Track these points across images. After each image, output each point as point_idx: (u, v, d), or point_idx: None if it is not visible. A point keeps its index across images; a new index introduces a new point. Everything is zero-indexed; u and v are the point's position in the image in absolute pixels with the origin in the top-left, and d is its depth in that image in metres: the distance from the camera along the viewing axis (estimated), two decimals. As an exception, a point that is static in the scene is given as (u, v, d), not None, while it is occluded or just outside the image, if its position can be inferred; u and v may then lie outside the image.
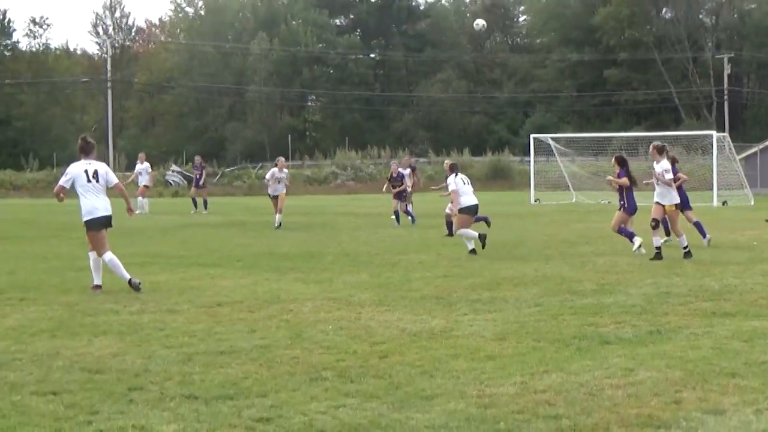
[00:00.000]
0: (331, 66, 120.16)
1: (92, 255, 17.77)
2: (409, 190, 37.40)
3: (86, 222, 17.79)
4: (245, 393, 9.80)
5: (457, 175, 25.28)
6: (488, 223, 27.27)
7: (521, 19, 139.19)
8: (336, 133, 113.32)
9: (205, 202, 46.78)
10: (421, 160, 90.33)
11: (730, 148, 59.01)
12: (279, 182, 35.33)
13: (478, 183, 79.56)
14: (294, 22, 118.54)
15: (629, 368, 10.77)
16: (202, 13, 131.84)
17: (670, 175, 22.98)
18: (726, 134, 63.93)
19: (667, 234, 25.62)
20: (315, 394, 9.77)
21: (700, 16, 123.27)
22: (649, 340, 12.55)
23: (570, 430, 8.47)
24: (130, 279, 17.56)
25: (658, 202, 23.22)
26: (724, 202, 53.09)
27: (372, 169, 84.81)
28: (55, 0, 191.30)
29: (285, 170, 36.02)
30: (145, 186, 46.55)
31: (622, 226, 24.29)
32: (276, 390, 9.91)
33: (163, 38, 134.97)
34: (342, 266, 21.67)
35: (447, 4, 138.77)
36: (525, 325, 13.67)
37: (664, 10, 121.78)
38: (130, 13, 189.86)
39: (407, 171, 38.52)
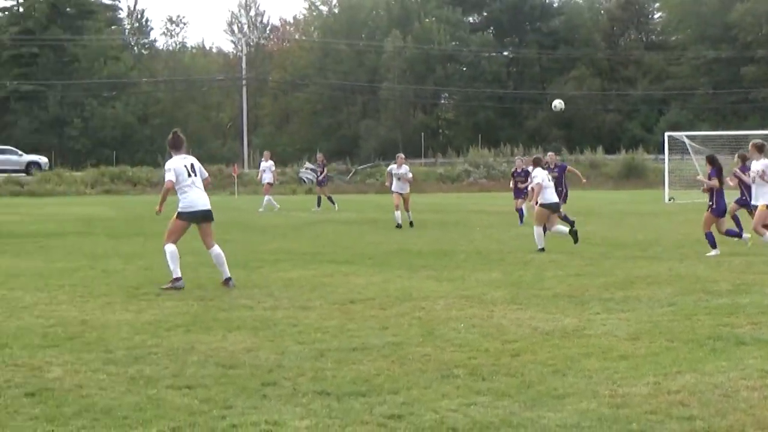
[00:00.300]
0: (464, 64, 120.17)
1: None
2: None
3: (183, 213, 17.95)
4: (377, 390, 9.83)
5: (543, 169, 25.97)
6: (573, 232, 26.61)
7: (656, 16, 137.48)
8: (469, 131, 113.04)
9: (331, 199, 46.95)
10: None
11: None
12: (400, 179, 34.07)
13: (611, 181, 79.38)
14: (427, 20, 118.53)
15: (766, 370, 10.61)
16: (336, 11, 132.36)
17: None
18: None
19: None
20: (446, 391, 9.77)
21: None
22: (786, 341, 12.38)
23: (704, 431, 8.38)
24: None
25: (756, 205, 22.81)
26: None
27: (505, 167, 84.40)
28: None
29: (405, 166, 34.72)
30: (269, 184, 47.09)
31: (709, 230, 24.18)
32: (408, 387, 9.94)
33: (297, 36, 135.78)
34: (474, 264, 21.63)
35: (581, 1, 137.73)
36: (658, 324, 13.54)
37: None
38: (264, 11, 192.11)
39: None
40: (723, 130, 79.66)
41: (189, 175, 17.87)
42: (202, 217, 18.08)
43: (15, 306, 15.43)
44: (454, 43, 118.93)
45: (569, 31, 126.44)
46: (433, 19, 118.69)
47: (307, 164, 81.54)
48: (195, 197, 17.92)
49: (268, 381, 10.21)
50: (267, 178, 47.20)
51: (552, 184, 26.01)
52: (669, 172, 62.81)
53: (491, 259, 22.63)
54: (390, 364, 11.01)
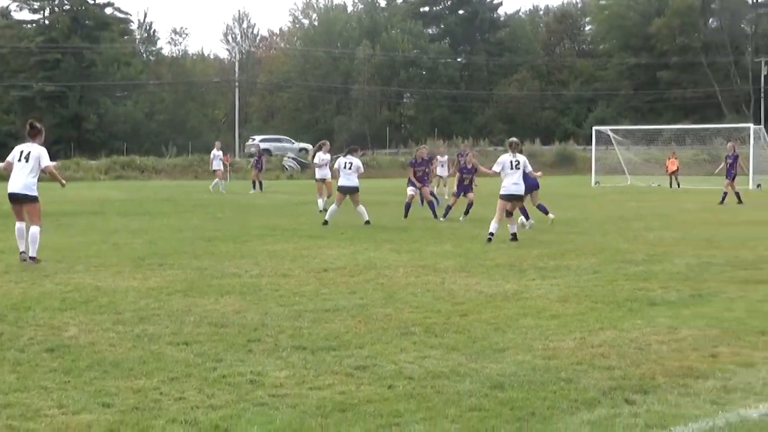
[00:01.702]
0: (424, 68, 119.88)
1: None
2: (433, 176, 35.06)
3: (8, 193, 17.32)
4: (346, 345, 9.85)
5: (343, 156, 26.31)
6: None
7: (587, 28, 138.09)
8: (427, 125, 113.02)
9: (261, 184, 47.41)
10: (500, 148, 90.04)
11: (764, 139, 58.25)
12: (326, 165, 31.34)
13: (547, 168, 79.18)
14: (393, 31, 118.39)
15: (673, 326, 10.71)
16: (316, 23, 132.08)
17: (495, 168, 20.98)
18: (761, 127, 62.92)
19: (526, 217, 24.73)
20: (405, 346, 9.80)
21: (742, 25, 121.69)
22: (690, 302, 12.46)
23: (621, 379, 8.43)
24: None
25: None
26: (758, 185, 52.42)
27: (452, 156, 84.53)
28: (193, 12, 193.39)
29: (329, 154, 31.85)
30: (215, 170, 47.92)
31: (540, 202, 24.63)
32: (372, 342, 9.96)
33: (282, 45, 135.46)
34: (429, 238, 21.64)
35: (523, 15, 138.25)
36: (584, 289, 13.61)
37: (710, 19, 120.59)
38: (255, 24, 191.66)
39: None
40: (641, 124, 79.91)
41: (19, 160, 17.10)
42: (14, 199, 17.27)
43: (38, 275, 15.34)
44: (415, 51, 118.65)
45: (513, 40, 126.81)
46: (398, 30, 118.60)
47: (290, 154, 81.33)
48: (12, 180, 17.14)
49: (254, 338, 10.21)
50: (216, 165, 47.59)
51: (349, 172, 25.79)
52: (596, 160, 63.16)
53: (443, 234, 22.64)
54: (357, 323, 11.02)
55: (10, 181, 17.20)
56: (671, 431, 6.97)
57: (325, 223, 25.11)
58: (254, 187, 46.78)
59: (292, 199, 40.09)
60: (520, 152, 21.46)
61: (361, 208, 25.54)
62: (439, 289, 13.63)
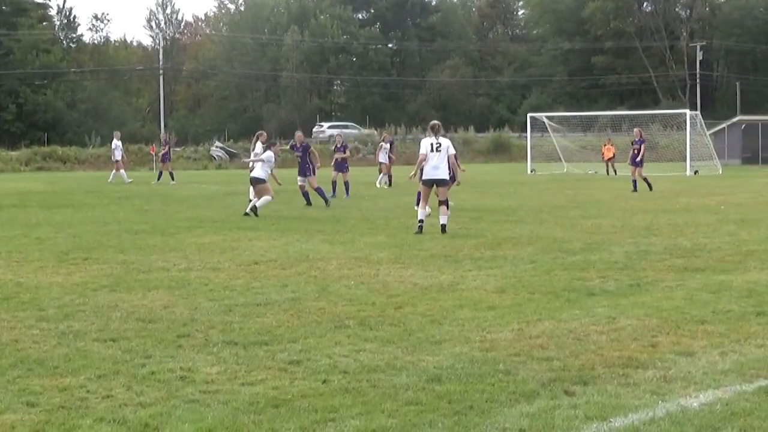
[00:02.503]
0: (354, 55, 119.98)
1: None
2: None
3: None
4: (278, 339, 9.82)
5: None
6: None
7: (520, 12, 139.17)
8: (358, 113, 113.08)
9: (171, 174, 47.35)
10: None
11: (701, 125, 59.03)
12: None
13: (482, 156, 79.89)
14: (322, 17, 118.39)
15: (612, 316, 10.79)
16: (242, 8, 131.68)
17: (421, 151, 20.68)
18: (698, 113, 63.80)
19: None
20: (339, 340, 9.79)
21: (677, 9, 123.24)
22: (629, 292, 12.57)
23: (560, 370, 8.48)
24: None
25: None
26: (695, 172, 53.09)
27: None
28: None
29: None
30: (116, 161, 47.86)
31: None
32: (305, 336, 9.94)
33: (208, 31, 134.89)
34: (362, 229, 21.63)
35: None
36: (521, 279, 13.68)
37: (644, 3, 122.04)
38: (179, 9, 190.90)
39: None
40: (576, 111, 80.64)
41: None
42: None
43: (-43, 270, 15.16)
44: (345, 36, 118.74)
45: (445, 25, 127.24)
46: (327, 15, 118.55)
47: (217, 143, 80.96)
48: None
49: (183, 333, 10.15)
50: (116, 156, 47.51)
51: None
52: (531, 148, 63.51)
53: (377, 225, 22.64)
54: (289, 317, 11.00)
55: None
56: (611, 422, 7.02)
57: (252, 212, 25.25)
58: (173, 177, 46.53)
59: (220, 189, 39.89)
60: (444, 136, 21.18)
61: (254, 197, 26.11)
62: (374, 281, 13.64)
